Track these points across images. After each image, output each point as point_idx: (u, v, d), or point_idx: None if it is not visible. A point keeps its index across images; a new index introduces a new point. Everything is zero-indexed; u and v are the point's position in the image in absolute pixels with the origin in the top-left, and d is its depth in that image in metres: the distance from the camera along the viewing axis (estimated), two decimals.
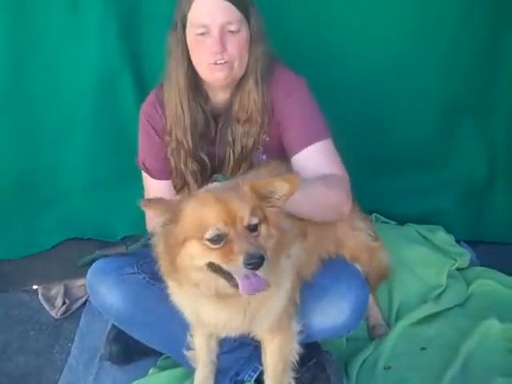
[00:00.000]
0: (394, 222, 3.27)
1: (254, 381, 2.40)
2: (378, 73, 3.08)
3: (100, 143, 3.28)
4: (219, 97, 2.36)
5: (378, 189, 3.16)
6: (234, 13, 2.21)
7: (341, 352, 2.55)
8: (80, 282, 3.03)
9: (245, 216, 1.82)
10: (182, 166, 2.38)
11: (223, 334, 2.19)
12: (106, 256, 2.47)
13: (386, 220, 3.26)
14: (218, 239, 1.81)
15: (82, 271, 2.60)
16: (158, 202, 1.93)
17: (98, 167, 3.33)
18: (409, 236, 3.12)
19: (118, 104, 3.21)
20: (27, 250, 3.38)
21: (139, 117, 2.49)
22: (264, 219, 1.88)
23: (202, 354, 2.36)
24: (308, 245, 2.22)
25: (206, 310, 2.05)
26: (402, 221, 3.27)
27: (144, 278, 2.39)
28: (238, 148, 2.35)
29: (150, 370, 2.51)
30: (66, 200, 3.41)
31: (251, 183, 1.88)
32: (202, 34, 2.21)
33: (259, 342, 2.25)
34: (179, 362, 2.47)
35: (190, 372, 2.39)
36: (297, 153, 2.32)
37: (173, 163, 2.41)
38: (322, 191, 2.21)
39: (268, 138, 2.37)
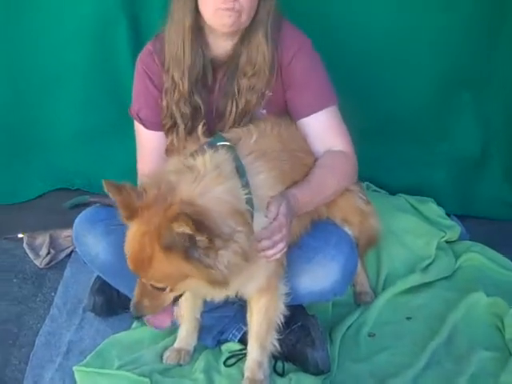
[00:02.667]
0: (384, 192, 3.25)
1: (238, 341, 2.40)
2: (374, 44, 3.05)
3: (91, 92, 3.23)
4: (221, 46, 2.29)
5: (371, 158, 3.10)
6: None
7: (326, 317, 2.54)
8: (66, 232, 3.00)
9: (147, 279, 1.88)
10: (174, 108, 2.31)
11: (209, 298, 2.16)
12: (94, 203, 2.42)
13: (377, 189, 3.24)
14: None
15: (68, 222, 2.56)
16: (118, 189, 1.86)
17: (88, 117, 3.28)
18: (399, 205, 3.09)
19: (111, 53, 3.15)
20: (13, 198, 3.34)
21: (135, 66, 2.43)
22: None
23: (186, 311, 2.33)
24: None
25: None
26: (393, 191, 3.25)
27: None
28: (242, 102, 2.29)
29: (133, 324, 2.50)
30: (54, 149, 3.37)
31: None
32: None
33: (245, 301, 2.23)
34: None
35: (174, 328, 2.37)
36: (303, 117, 2.30)
37: (165, 103, 2.34)
38: (332, 184, 2.26)
39: (271, 94, 2.32)
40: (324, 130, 2.30)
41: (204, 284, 1.84)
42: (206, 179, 1.85)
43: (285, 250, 2.03)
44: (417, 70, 3.11)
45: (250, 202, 1.90)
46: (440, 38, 3.03)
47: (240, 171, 1.93)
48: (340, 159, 2.31)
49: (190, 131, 2.31)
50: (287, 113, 2.35)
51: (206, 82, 2.34)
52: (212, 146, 1.99)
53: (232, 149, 1.99)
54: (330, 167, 2.27)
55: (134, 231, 1.87)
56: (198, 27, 2.25)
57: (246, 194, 1.90)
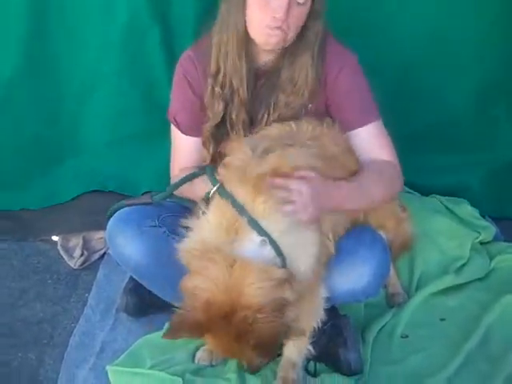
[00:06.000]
0: (418, 193, 3.22)
1: None
2: (416, 51, 3.06)
3: (125, 100, 3.25)
4: (262, 57, 2.30)
5: (404, 162, 3.11)
6: None
7: (358, 318, 2.52)
8: (99, 234, 3.02)
9: None
10: (233, 116, 2.32)
11: None
12: (130, 205, 2.43)
13: (410, 190, 3.20)
14: None
15: (101, 224, 2.58)
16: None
17: (122, 122, 3.30)
18: (433, 207, 3.06)
19: (144, 61, 3.16)
20: (47, 200, 3.35)
21: (175, 70, 2.44)
22: None
23: None
24: None
25: None
26: (426, 193, 3.22)
27: (165, 231, 2.36)
28: (275, 115, 2.31)
29: (166, 325, 2.49)
30: (88, 153, 3.39)
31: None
32: None
33: None
34: None
35: None
36: (350, 130, 2.31)
37: (213, 111, 2.34)
38: (376, 189, 2.24)
39: (310, 105, 2.33)
40: (369, 141, 2.31)
41: None
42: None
43: (304, 219, 2.01)
44: (456, 73, 3.11)
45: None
46: (482, 42, 3.03)
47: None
48: (386, 168, 2.31)
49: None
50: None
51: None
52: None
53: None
54: (375, 173, 2.27)
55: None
56: (248, 36, 2.24)
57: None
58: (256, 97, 2.34)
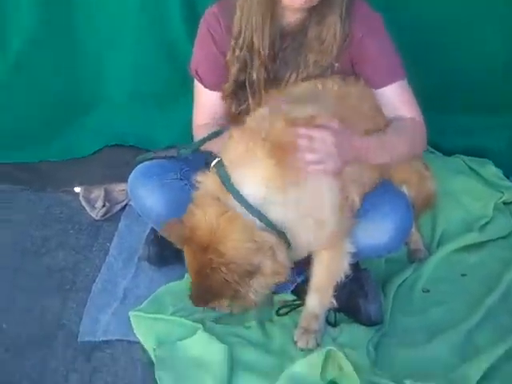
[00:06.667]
0: (440, 154, 3.20)
1: (291, 292, 2.41)
2: (441, 3, 3.03)
3: (145, 54, 3.25)
4: (287, 18, 2.27)
5: (428, 121, 3.09)
6: None
7: (379, 273, 2.52)
8: (121, 186, 3.03)
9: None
10: (254, 75, 2.31)
11: None
12: (157, 157, 2.44)
13: (433, 150, 3.18)
14: None
15: (122, 177, 2.59)
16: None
17: (142, 78, 3.30)
18: (456, 167, 3.05)
19: (164, 17, 3.16)
20: (68, 153, 3.38)
21: (200, 25, 2.42)
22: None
23: None
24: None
25: None
26: (450, 153, 3.20)
27: (186, 184, 2.35)
28: (304, 74, 2.30)
29: (186, 275, 2.52)
30: (110, 108, 3.41)
31: None
32: None
33: None
34: None
35: None
36: (376, 89, 2.31)
37: (234, 69, 2.34)
38: (401, 145, 2.25)
39: (337, 64, 2.31)
40: (394, 99, 2.31)
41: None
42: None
43: (329, 169, 2.01)
44: (486, 35, 3.07)
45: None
46: None
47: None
48: (411, 125, 2.31)
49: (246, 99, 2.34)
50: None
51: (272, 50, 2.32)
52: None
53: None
54: (400, 129, 2.27)
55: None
56: None
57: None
58: (282, 58, 2.33)
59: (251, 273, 1.96)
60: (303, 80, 2.30)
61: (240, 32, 2.28)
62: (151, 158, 2.41)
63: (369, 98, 2.31)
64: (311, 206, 2.00)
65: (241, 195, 1.96)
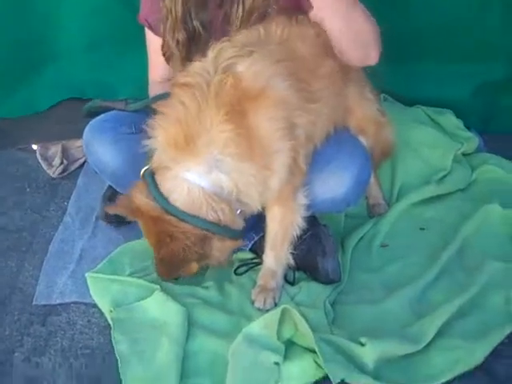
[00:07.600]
0: (400, 104, 3.15)
1: (249, 250, 2.41)
2: None
3: (100, 2, 3.17)
4: None
5: (388, 70, 3.04)
6: None
7: (338, 228, 2.52)
8: (78, 143, 2.97)
9: None
10: (168, 36, 2.26)
11: None
12: (105, 108, 2.38)
13: (394, 101, 3.15)
14: None
15: (80, 133, 2.53)
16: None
17: (98, 27, 3.23)
18: (416, 117, 3.01)
19: None
20: (24, 109, 3.31)
21: None
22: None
23: None
24: (321, 110, 2.12)
25: None
26: (410, 104, 3.15)
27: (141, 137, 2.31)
28: (247, 6, 2.19)
29: None
30: (65, 59, 3.33)
31: None
32: None
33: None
34: None
35: None
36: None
37: (161, 31, 2.29)
38: (362, 18, 2.12)
39: None
40: None
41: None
42: None
43: None
44: None
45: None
46: None
47: None
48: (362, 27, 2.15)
49: (189, 57, 2.23)
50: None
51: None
52: None
53: None
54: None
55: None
56: None
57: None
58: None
59: (208, 236, 1.95)
60: (250, 19, 2.19)
61: None
62: (99, 107, 2.36)
63: (314, 38, 2.15)
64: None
65: None
